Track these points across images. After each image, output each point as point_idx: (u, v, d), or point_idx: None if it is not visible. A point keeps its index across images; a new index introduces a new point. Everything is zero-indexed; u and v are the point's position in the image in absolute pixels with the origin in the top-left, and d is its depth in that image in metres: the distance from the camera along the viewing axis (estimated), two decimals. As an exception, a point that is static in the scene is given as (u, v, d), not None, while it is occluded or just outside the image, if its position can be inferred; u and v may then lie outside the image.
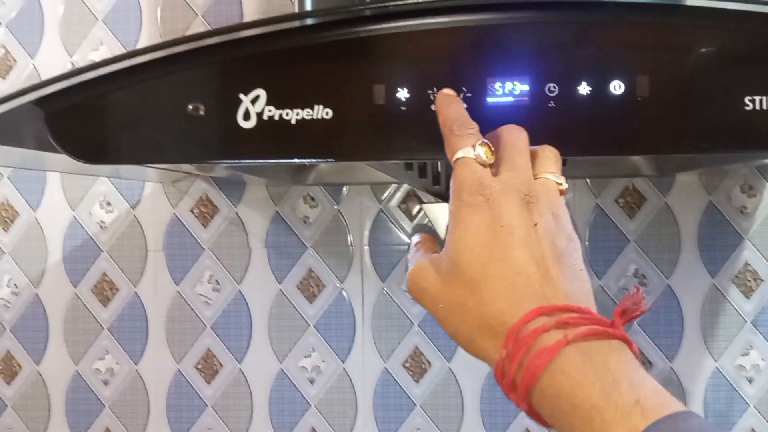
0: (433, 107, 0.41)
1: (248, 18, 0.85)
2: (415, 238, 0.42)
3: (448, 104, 0.39)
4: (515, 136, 0.37)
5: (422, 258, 0.38)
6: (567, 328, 0.31)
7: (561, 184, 0.37)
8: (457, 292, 0.34)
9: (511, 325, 0.31)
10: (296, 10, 0.63)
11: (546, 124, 0.40)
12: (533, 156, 0.37)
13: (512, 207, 0.34)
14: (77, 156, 0.44)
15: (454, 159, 0.36)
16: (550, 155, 0.38)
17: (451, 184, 0.36)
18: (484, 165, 0.35)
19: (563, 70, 0.40)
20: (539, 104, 0.40)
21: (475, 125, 0.37)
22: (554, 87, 0.40)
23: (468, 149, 0.36)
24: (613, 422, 0.28)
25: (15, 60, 0.88)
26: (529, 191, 0.35)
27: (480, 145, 0.36)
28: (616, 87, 0.40)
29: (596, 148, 0.39)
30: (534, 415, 0.32)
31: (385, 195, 0.84)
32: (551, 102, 0.40)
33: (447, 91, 0.40)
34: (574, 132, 0.40)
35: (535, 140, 0.39)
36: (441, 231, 0.66)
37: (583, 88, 0.40)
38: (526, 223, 0.34)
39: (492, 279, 0.33)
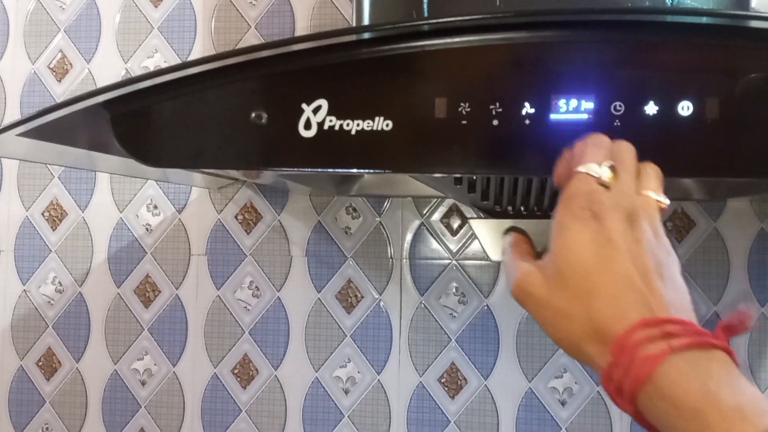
0: (495, 122, 0.41)
1: (300, 31, 0.86)
2: (508, 239, 0.43)
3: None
4: (624, 152, 0.38)
5: (520, 261, 0.40)
6: (671, 338, 0.32)
7: (661, 201, 0.38)
8: (563, 299, 0.36)
9: (618, 334, 0.33)
10: (352, 23, 0.64)
11: (611, 143, 0.40)
12: (637, 171, 0.39)
13: (618, 223, 0.36)
14: (140, 158, 0.45)
15: (576, 170, 0.38)
16: (651, 172, 0.39)
17: (563, 192, 0.38)
18: (602, 185, 0.37)
19: (630, 89, 0.40)
20: (604, 123, 0.39)
21: (607, 150, 0.38)
22: (620, 106, 0.40)
23: (593, 166, 0.37)
24: (714, 425, 0.30)
25: (71, 64, 0.90)
26: (634, 208, 0.36)
27: (608, 167, 0.37)
28: (685, 108, 0.39)
29: (663, 170, 0.38)
30: (639, 418, 0.33)
31: (427, 209, 0.84)
32: (617, 121, 0.40)
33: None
34: (639, 152, 0.39)
35: (599, 159, 0.38)
36: (487, 247, 0.66)
37: (650, 108, 0.40)
38: (630, 238, 0.36)
39: (599, 289, 0.35)
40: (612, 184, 0.37)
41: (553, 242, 0.37)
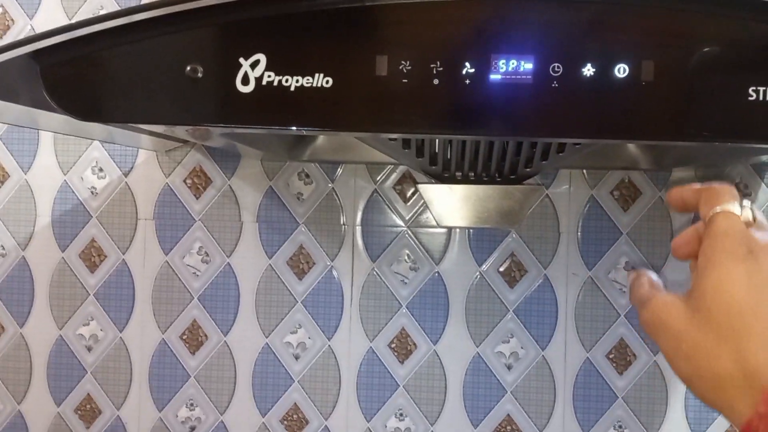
0: (435, 81, 0.40)
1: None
2: (633, 274, 0.41)
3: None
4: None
5: (656, 290, 0.38)
6: None
7: None
8: (707, 335, 0.33)
9: None
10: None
11: (548, 104, 0.40)
12: None
13: None
14: (71, 112, 0.43)
15: (716, 211, 0.36)
16: None
17: (710, 234, 0.36)
18: (746, 223, 0.36)
19: (568, 51, 0.40)
20: (543, 84, 0.39)
21: (736, 192, 0.37)
22: (558, 67, 0.40)
23: (734, 205, 0.36)
24: None
25: (13, 20, 0.87)
26: None
27: (747, 205, 0.36)
28: (621, 70, 0.39)
29: (598, 131, 0.38)
30: None
31: (381, 176, 0.84)
32: (555, 82, 0.40)
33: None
34: (576, 114, 0.40)
35: (537, 121, 0.39)
36: (435, 212, 0.66)
37: (588, 70, 0.40)
38: None
39: (753, 330, 0.32)
40: (762, 230, 0.36)
41: (700, 279, 0.35)
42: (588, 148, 0.59)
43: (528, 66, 0.40)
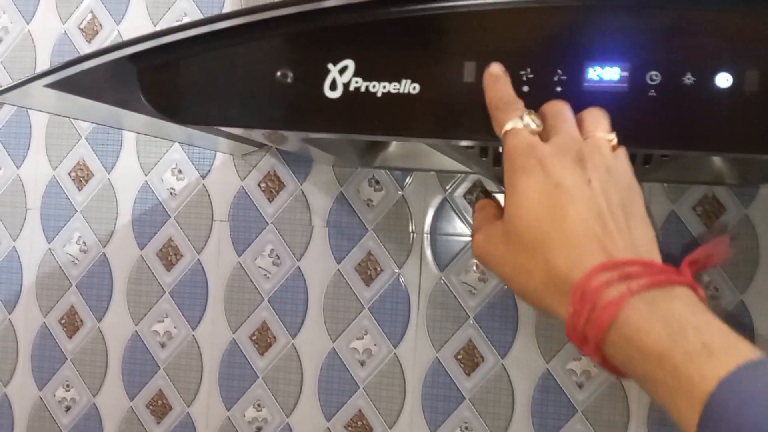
0: (525, 89, 0.40)
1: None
2: (478, 204, 0.42)
3: (494, 83, 0.39)
4: (558, 107, 0.38)
5: (482, 223, 0.39)
6: (630, 280, 0.31)
7: (611, 139, 0.37)
8: (519, 254, 0.35)
9: (576, 282, 0.32)
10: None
11: (645, 113, 0.39)
12: (581, 119, 0.38)
13: (565, 167, 0.35)
14: (165, 115, 0.45)
15: (503, 132, 0.37)
16: (597, 113, 0.38)
17: (504, 155, 0.37)
18: (533, 133, 0.37)
19: (667, 59, 0.38)
20: (639, 93, 0.38)
21: (520, 103, 0.38)
22: (656, 75, 0.39)
23: (516, 120, 0.37)
24: (681, 367, 0.28)
25: (101, 25, 0.91)
26: (580, 150, 0.35)
27: (527, 114, 0.37)
28: (723, 80, 0.38)
29: (696, 143, 0.37)
30: (608, 366, 0.32)
31: (451, 184, 0.83)
32: (652, 91, 0.38)
33: (494, 69, 0.40)
34: (674, 124, 0.38)
35: (632, 131, 0.37)
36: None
37: (688, 79, 0.38)
38: (580, 180, 0.34)
39: (552, 239, 0.33)
40: (551, 135, 0.36)
41: (506, 203, 0.36)
42: (675, 161, 0.57)
43: (624, 74, 0.39)
